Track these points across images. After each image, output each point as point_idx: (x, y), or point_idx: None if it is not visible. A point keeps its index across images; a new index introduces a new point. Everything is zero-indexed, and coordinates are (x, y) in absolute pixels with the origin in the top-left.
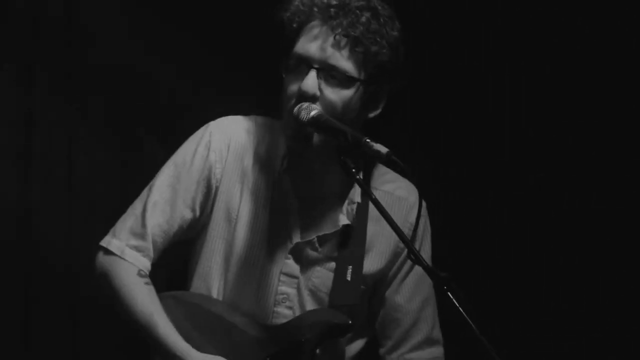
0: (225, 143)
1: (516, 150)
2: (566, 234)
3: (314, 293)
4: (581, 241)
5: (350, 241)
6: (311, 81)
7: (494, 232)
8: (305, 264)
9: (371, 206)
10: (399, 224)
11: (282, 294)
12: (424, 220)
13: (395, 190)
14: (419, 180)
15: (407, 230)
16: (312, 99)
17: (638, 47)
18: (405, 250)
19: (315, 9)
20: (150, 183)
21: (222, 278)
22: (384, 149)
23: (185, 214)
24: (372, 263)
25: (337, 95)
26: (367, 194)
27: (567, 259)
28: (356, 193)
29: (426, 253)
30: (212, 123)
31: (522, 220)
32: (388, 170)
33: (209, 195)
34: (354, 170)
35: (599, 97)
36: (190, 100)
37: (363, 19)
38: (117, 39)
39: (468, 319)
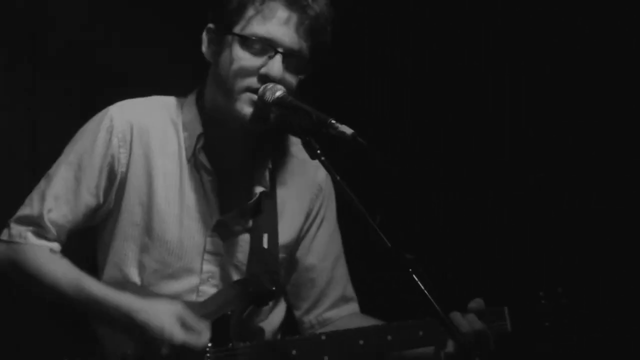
0: (128, 127)
1: (516, 150)
2: (565, 233)
3: (238, 267)
4: (580, 240)
5: (264, 208)
6: (278, 66)
7: (494, 231)
8: (230, 239)
9: (283, 171)
10: (305, 185)
11: (207, 272)
12: (328, 182)
13: (298, 153)
14: (383, 161)
15: (315, 190)
16: (275, 82)
17: (637, 47)
18: (314, 210)
19: None
20: (49, 171)
21: (139, 265)
22: (349, 130)
23: (89, 201)
24: (287, 228)
25: (294, 79)
26: (331, 175)
27: (567, 259)
28: (268, 160)
29: (331, 211)
30: (111, 107)
31: (521, 219)
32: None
33: (113, 182)
34: (318, 151)
35: (598, 97)
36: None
37: (320, 8)
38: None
39: (432, 301)
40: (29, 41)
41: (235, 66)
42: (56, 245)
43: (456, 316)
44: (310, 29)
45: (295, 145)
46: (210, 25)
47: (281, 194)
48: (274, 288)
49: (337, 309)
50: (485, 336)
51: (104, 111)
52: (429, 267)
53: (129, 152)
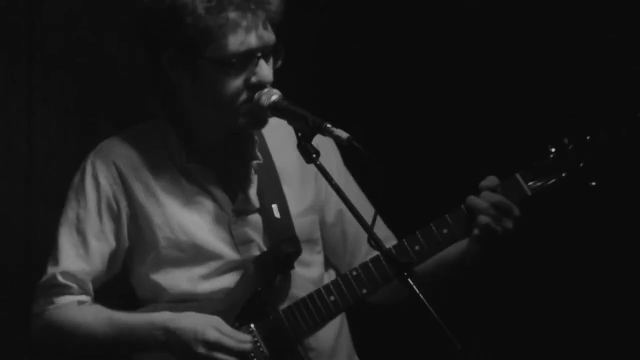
0: (111, 165)
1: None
2: (561, 233)
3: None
4: (577, 240)
5: (264, 180)
6: (266, 69)
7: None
8: (251, 222)
9: (269, 140)
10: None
11: (248, 261)
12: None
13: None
14: (379, 165)
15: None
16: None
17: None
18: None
19: (231, 7)
20: (54, 237)
21: (188, 281)
22: (344, 134)
23: (101, 248)
24: (298, 193)
25: (275, 67)
26: (328, 181)
27: (566, 258)
28: (253, 136)
29: (335, 165)
30: (90, 155)
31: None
32: None
33: (118, 220)
34: (314, 156)
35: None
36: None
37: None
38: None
39: (427, 304)
40: (26, 39)
41: (224, 92)
42: (84, 297)
43: (471, 199)
44: (271, 18)
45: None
46: (170, 49)
47: (278, 161)
48: (292, 250)
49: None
50: (505, 205)
51: (83, 162)
52: None
53: (122, 185)
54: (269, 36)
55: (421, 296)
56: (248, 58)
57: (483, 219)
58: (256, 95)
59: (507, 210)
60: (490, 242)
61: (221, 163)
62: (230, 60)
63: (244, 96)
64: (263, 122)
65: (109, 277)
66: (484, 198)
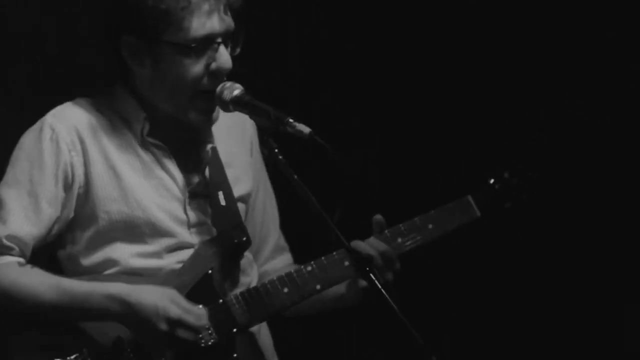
0: (74, 130)
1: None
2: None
3: None
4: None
5: (212, 164)
6: (226, 55)
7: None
8: (205, 204)
9: (215, 127)
10: (239, 139)
11: (199, 243)
12: (256, 136)
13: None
14: (342, 161)
15: (248, 145)
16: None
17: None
18: (257, 168)
19: None
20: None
21: (139, 256)
22: (306, 129)
23: (51, 214)
24: (239, 180)
25: (235, 54)
26: (288, 174)
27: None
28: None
29: (261, 161)
30: (46, 117)
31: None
32: None
33: (70, 190)
34: (276, 150)
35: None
36: None
37: None
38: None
39: (389, 299)
40: None
41: (184, 76)
42: (22, 260)
43: (357, 243)
44: (231, 3)
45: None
46: (128, 37)
47: (222, 148)
48: (243, 239)
49: (273, 260)
50: (389, 256)
51: (38, 123)
52: None
53: (82, 155)
54: (229, 21)
55: (383, 291)
56: (208, 43)
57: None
58: (218, 88)
59: (391, 261)
60: (370, 292)
61: (178, 142)
62: (190, 45)
63: (203, 82)
64: (211, 120)
65: (45, 242)
66: (372, 245)
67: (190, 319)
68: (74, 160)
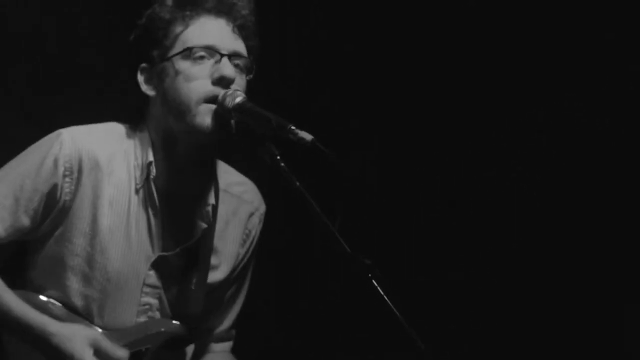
0: (77, 157)
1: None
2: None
3: (173, 303)
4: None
5: (201, 246)
6: (229, 66)
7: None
8: (167, 274)
9: (220, 206)
10: (240, 227)
11: (145, 304)
12: (260, 227)
13: (243, 194)
14: (343, 168)
15: (244, 236)
16: (230, 83)
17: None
18: (241, 256)
19: (208, 4)
20: None
21: (82, 296)
22: (308, 136)
23: (24, 222)
24: (219, 268)
25: (243, 81)
26: (290, 181)
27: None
28: (211, 195)
29: (253, 255)
30: (63, 132)
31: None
32: (232, 169)
33: (51, 208)
34: (278, 157)
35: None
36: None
37: (246, 6)
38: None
39: (392, 305)
40: None
41: (184, 79)
42: None
43: None
44: (242, 28)
45: (240, 185)
46: (143, 65)
47: (218, 230)
48: (189, 335)
49: (216, 343)
50: None
51: (55, 135)
52: (387, 270)
53: (75, 183)
54: (238, 45)
55: (386, 297)
56: (211, 53)
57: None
58: (220, 95)
59: None
60: None
61: (176, 203)
62: (192, 49)
63: (204, 89)
64: (226, 127)
65: (12, 242)
66: None
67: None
68: (64, 185)
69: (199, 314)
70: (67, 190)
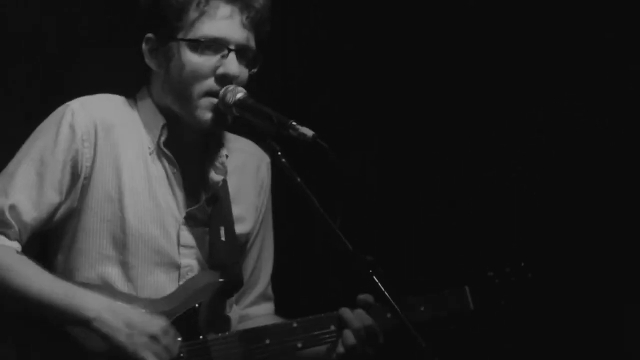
0: (92, 123)
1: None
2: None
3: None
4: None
5: (218, 199)
6: (235, 64)
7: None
8: (198, 232)
9: (230, 159)
10: (252, 178)
11: (186, 266)
12: (270, 176)
13: (245, 148)
14: (344, 165)
15: (258, 187)
16: (234, 80)
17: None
18: (259, 207)
19: None
20: (8, 169)
21: (120, 262)
22: (310, 132)
23: (53, 198)
24: (242, 218)
25: (246, 75)
26: (292, 177)
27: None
28: (223, 149)
29: (269, 207)
30: (72, 103)
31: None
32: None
33: (77, 178)
34: (279, 153)
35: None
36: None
37: (262, 3)
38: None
39: (392, 301)
40: None
41: (189, 72)
42: (17, 245)
43: (346, 312)
44: (254, 21)
45: (241, 141)
46: (150, 35)
47: (233, 183)
48: (238, 279)
49: (257, 306)
50: (375, 332)
51: (64, 107)
52: (387, 265)
53: (94, 148)
54: (247, 38)
55: (387, 294)
56: (219, 47)
57: (352, 339)
58: (222, 91)
59: (375, 337)
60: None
61: (187, 158)
62: (201, 41)
63: (207, 84)
64: (225, 122)
65: (43, 229)
66: (359, 318)
67: (164, 357)
68: (85, 151)
69: (237, 267)
70: (88, 156)
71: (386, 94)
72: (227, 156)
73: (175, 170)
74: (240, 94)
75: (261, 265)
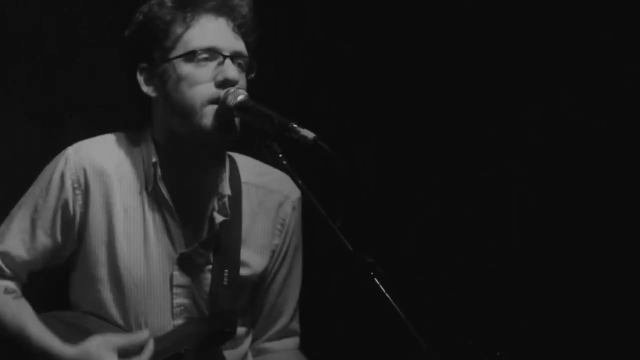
0: (81, 168)
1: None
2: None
3: (206, 300)
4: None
5: (226, 239)
6: (233, 68)
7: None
8: (195, 271)
9: (244, 199)
10: (270, 218)
11: (179, 306)
12: (297, 214)
13: (268, 184)
14: (345, 167)
15: (278, 226)
16: (234, 85)
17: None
18: (279, 245)
19: (208, 5)
20: (11, 212)
21: (117, 305)
22: (310, 134)
23: (46, 242)
24: (252, 260)
25: (244, 80)
26: (295, 182)
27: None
28: (225, 186)
29: (294, 245)
30: (69, 148)
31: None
32: (254, 161)
33: (71, 221)
34: (280, 155)
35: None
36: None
37: (247, 10)
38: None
39: (394, 304)
40: None
41: (188, 83)
42: (12, 284)
43: None
44: (241, 28)
45: (265, 175)
46: (143, 65)
47: (246, 223)
48: (229, 330)
49: (277, 341)
50: None
51: (61, 153)
52: (387, 270)
53: (84, 193)
54: (239, 45)
55: (388, 295)
56: (213, 55)
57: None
58: (222, 94)
59: None
60: None
61: (188, 198)
62: (194, 52)
63: (208, 92)
64: (230, 127)
65: (50, 265)
66: None
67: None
68: (76, 198)
69: (236, 310)
70: (80, 202)
71: (385, 93)
72: (229, 196)
73: (171, 212)
74: (241, 96)
75: (284, 300)
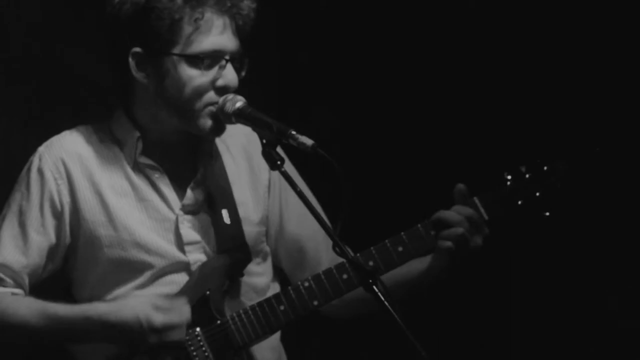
0: (59, 159)
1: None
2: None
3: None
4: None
5: (214, 183)
6: (233, 74)
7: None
8: (198, 223)
9: (219, 141)
10: (250, 157)
11: (195, 261)
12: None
13: (238, 134)
14: (345, 175)
15: (261, 162)
16: (233, 90)
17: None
18: (273, 180)
19: (210, 2)
20: None
21: (131, 280)
22: (309, 141)
23: (40, 242)
24: (244, 200)
25: (240, 78)
26: (293, 188)
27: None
28: (205, 142)
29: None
30: (39, 148)
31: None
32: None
33: (60, 216)
34: (279, 162)
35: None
36: None
37: (248, 5)
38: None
39: (392, 311)
40: None
41: (191, 88)
42: (18, 290)
43: (443, 212)
44: (241, 26)
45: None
46: (137, 49)
47: (230, 166)
48: (241, 256)
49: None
50: (478, 220)
51: (32, 155)
52: None
53: (67, 182)
54: (236, 42)
55: (387, 304)
56: (216, 59)
57: (457, 230)
58: (220, 100)
59: (479, 226)
60: (460, 256)
61: (172, 158)
62: (199, 56)
63: (208, 97)
64: (222, 129)
65: (47, 273)
66: (457, 211)
67: (175, 319)
68: (60, 188)
69: (247, 246)
70: (64, 192)
71: (383, 93)
72: (209, 143)
73: (158, 174)
74: (240, 102)
75: (311, 228)
